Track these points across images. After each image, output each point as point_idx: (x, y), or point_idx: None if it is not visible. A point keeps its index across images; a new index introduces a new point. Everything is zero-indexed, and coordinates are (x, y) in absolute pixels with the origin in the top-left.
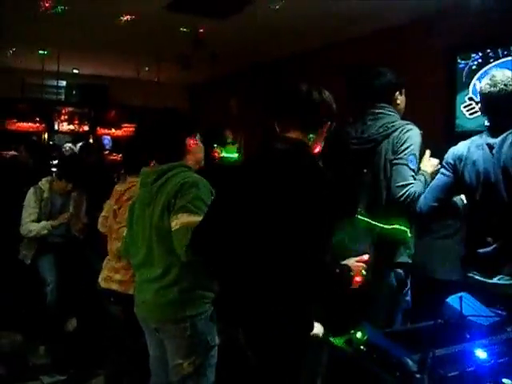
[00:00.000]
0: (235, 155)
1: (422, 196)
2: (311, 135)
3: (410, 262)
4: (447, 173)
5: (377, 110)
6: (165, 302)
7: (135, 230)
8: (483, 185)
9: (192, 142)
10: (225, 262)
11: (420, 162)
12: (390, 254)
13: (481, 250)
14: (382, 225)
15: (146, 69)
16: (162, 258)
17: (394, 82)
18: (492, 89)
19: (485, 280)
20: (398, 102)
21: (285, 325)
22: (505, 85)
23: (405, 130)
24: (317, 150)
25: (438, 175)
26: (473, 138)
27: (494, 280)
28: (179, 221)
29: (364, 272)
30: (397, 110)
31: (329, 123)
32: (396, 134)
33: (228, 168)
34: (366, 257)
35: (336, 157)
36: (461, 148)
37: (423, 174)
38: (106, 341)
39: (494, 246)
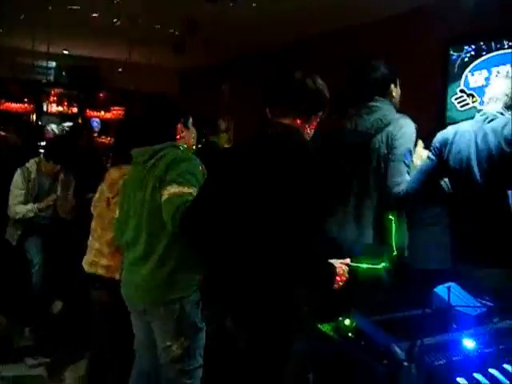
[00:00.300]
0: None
1: (409, 179)
2: (303, 121)
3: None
4: (433, 157)
5: (372, 103)
6: (154, 283)
7: (126, 209)
8: (467, 171)
9: (183, 127)
10: (213, 242)
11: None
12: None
13: (465, 239)
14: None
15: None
16: (149, 237)
17: (388, 75)
18: None
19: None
20: (394, 94)
21: (273, 308)
22: None
23: (399, 125)
24: (307, 136)
25: (426, 159)
26: (461, 124)
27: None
28: (167, 191)
29: (347, 274)
30: (392, 103)
31: (321, 112)
32: (390, 128)
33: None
34: (348, 260)
35: (330, 149)
36: (448, 132)
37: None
38: (90, 324)
39: (478, 234)
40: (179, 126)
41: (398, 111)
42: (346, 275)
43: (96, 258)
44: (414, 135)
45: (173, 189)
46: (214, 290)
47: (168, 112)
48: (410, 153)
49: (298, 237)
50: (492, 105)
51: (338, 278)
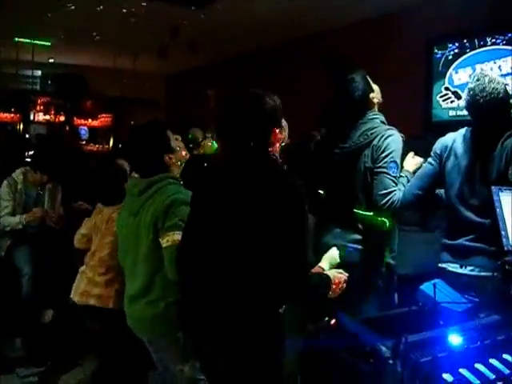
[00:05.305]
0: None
1: (407, 185)
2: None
3: (394, 263)
4: (433, 162)
5: (360, 120)
6: (152, 316)
7: (122, 239)
8: (462, 178)
9: (172, 156)
10: (203, 274)
11: (403, 162)
12: (375, 255)
13: (456, 240)
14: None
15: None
16: (147, 273)
17: (366, 87)
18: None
19: (457, 271)
20: (375, 100)
21: (255, 330)
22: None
23: (385, 137)
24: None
25: (425, 164)
26: (461, 131)
27: (466, 271)
28: (171, 238)
29: (344, 284)
30: (375, 105)
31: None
32: (375, 141)
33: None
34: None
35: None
36: (448, 139)
37: (406, 176)
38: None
39: (469, 236)
40: (167, 155)
41: (386, 120)
42: (344, 285)
43: (88, 288)
44: (401, 148)
45: (175, 235)
46: (192, 315)
47: (153, 144)
48: (397, 165)
49: (283, 259)
50: None
51: (335, 287)
